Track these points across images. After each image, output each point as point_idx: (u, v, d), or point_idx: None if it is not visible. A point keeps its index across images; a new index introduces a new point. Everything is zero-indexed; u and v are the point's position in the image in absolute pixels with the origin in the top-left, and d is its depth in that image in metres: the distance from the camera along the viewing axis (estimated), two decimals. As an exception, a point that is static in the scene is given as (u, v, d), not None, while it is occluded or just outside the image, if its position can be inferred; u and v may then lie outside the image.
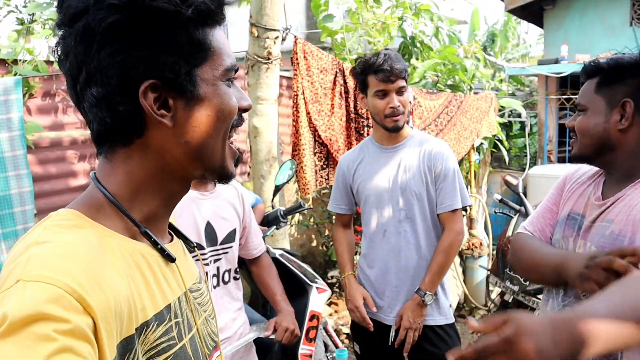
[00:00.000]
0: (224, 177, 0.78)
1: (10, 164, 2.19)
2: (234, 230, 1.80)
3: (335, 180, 2.30)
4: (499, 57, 10.36)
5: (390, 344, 2.09)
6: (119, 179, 0.71)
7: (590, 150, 1.38)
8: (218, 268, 1.76)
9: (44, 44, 3.02)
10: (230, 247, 1.78)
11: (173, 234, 0.85)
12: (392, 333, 2.09)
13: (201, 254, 1.68)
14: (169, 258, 0.75)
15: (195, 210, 1.68)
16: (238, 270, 1.88)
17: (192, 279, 0.84)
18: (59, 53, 0.68)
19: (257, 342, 2.02)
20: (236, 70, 0.76)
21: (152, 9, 0.64)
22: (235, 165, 2.17)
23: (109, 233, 0.67)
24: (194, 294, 0.82)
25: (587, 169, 1.49)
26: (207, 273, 1.71)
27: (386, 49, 2.10)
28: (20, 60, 2.69)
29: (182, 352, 0.73)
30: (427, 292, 2.02)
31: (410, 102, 2.11)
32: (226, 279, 1.79)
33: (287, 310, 1.93)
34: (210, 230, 1.72)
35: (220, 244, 1.75)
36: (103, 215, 0.69)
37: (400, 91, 2.00)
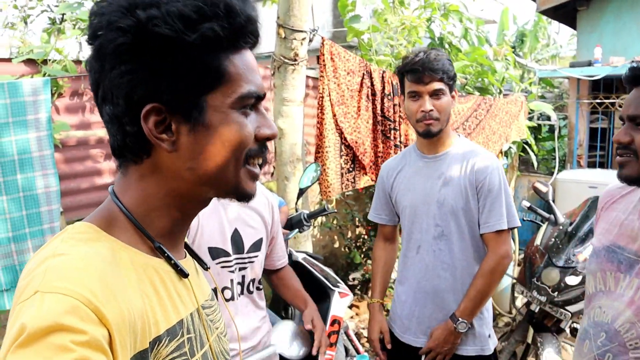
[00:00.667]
0: (241, 198, 0.76)
1: (37, 164, 2.21)
2: (261, 240, 1.75)
3: (376, 188, 2.19)
4: (529, 58, 10.17)
5: None
6: (134, 194, 0.72)
7: None
8: (243, 277, 1.71)
9: (73, 44, 3.05)
10: (256, 256, 1.73)
11: (186, 251, 0.84)
12: (423, 358, 1.95)
13: (227, 261, 1.64)
14: (182, 273, 0.76)
15: (223, 214, 1.64)
16: (261, 280, 1.84)
17: (205, 295, 0.84)
18: (88, 70, 0.70)
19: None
20: (261, 98, 0.73)
21: (154, 34, 0.64)
22: (260, 168, 2.12)
23: (123, 247, 0.68)
24: (206, 310, 0.82)
25: (621, 189, 1.34)
26: (231, 280, 1.67)
27: (432, 48, 1.96)
28: (49, 60, 2.72)
29: None
30: (461, 319, 1.86)
31: (447, 106, 1.88)
32: (251, 289, 1.74)
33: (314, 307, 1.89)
34: (237, 237, 1.67)
35: (247, 252, 1.70)
36: (118, 229, 0.70)
37: (435, 94, 1.84)
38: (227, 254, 1.64)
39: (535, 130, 7.21)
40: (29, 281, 0.60)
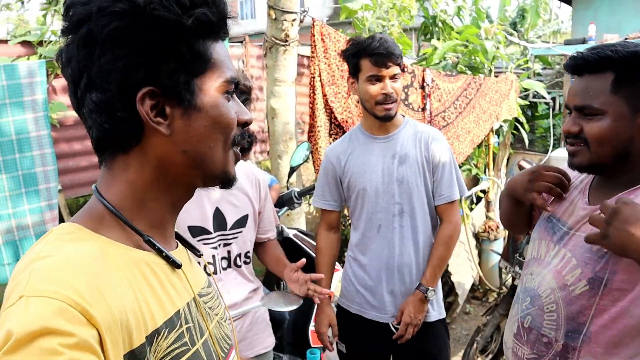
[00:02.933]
0: (226, 182, 0.78)
1: (35, 144, 2.30)
2: (246, 216, 1.80)
3: (320, 174, 2.14)
4: (529, 34, 10.09)
5: (383, 344, 2.02)
6: (120, 188, 0.72)
7: (609, 160, 1.20)
8: (229, 252, 1.78)
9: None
10: (240, 232, 1.79)
11: (178, 242, 0.85)
12: (392, 328, 2.00)
13: (208, 238, 1.71)
14: (175, 265, 0.75)
15: (204, 196, 1.71)
16: (249, 254, 1.89)
17: (200, 284, 0.84)
18: (63, 59, 0.70)
19: (270, 318, 2.06)
20: (237, 85, 0.76)
21: (153, 18, 0.65)
22: (249, 148, 2.17)
23: (111, 244, 0.68)
24: (203, 298, 0.83)
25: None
26: (213, 256, 1.74)
27: (380, 34, 1.97)
28: (45, 41, 2.78)
29: (196, 357, 0.73)
30: (430, 287, 1.94)
31: (400, 89, 1.95)
32: (238, 262, 1.81)
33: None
34: (219, 216, 1.74)
35: (230, 229, 1.77)
36: (105, 226, 0.69)
37: (394, 78, 1.90)
38: (207, 232, 1.71)
39: (531, 109, 7.24)
40: (15, 285, 0.60)
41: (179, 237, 0.86)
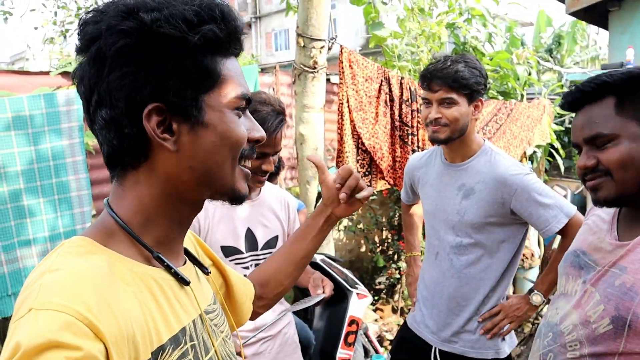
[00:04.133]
0: (235, 199, 0.77)
1: (70, 169, 2.39)
2: (276, 237, 1.80)
3: (404, 174, 2.24)
4: (566, 60, 9.95)
5: None
6: (130, 203, 0.72)
7: (636, 188, 1.11)
8: None
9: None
10: (271, 252, 1.78)
11: (187, 257, 0.85)
12: (435, 353, 1.96)
13: (240, 258, 1.73)
14: (183, 281, 0.75)
15: (235, 216, 1.72)
16: None
17: (207, 300, 0.84)
18: (77, 77, 0.71)
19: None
20: (248, 101, 0.76)
21: (159, 35, 0.66)
22: (277, 173, 2.19)
23: (120, 258, 0.68)
24: (209, 315, 0.82)
25: None
26: (245, 275, 1.77)
27: (459, 55, 1.88)
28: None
29: None
30: (537, 291, 1.87)
31: (460, 116, 1.81)
32: None
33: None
34: (250, 236, 1.75)
35: (261, 249, 1.77)
36: (115, 241, 0.70)
37: (444, 102, 1.79)
38: (240, 252, 1.72)
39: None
40: (25, 298, 0.61)
41: (186, 252, 0.86)
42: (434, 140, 1.87)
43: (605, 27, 6.98)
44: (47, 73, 2.81)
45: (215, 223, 1.69)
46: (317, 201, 2.97)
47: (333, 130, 4.47)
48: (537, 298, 1.87)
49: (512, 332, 1.98)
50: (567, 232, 1.80)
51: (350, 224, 4.90)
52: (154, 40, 0.66)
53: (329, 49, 3.24)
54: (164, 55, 0.67)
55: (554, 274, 1.82)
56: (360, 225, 4.91)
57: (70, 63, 3.07)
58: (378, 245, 5.11)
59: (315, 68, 3.16)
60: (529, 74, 4.54)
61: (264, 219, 1.79)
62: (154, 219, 0.73)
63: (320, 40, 3.09)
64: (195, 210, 0.78)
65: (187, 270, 0.81)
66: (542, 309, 3.35)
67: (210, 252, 1.03)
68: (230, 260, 1.71)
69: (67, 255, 0.66)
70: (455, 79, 1.76)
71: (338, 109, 3.34)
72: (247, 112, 0.78)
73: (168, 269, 0.74)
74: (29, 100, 2.25)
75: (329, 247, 3.52)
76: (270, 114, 1.60)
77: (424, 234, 2.22)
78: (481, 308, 1.91)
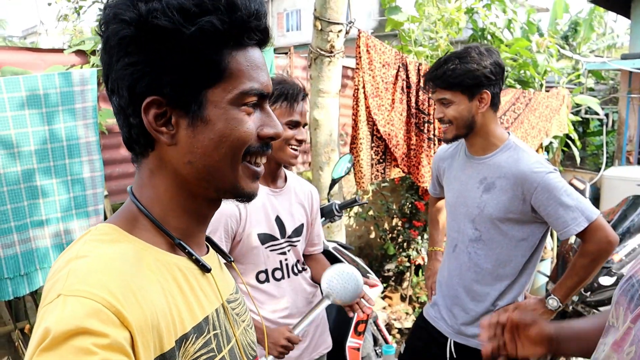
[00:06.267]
0: (240, 197, 0.75)
1: (84, 150, 2.36)
2: (302, 225, 1.85)
3: (432, 165, 2.28)
4: (582, 48, 9.77)
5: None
6: (149, 192, 0.72)
7: None
8: (287, 259, 1.82)
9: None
10: (298, 240, 1.83)
11: (210, 246, 0.85)
12: (450, 345, 1.99)
13: (276, 245, 1.76)
14: (205, 269, 0.75)
15: (267, 204, 1.75)
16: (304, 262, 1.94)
17: (229, 289, 0.84)
18: (101, 60, 0.72)
19: None
20: (264, 96, 0.72)
21: (154, 27, 0.64)
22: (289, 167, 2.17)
23: (145, 246, 0.68)
24: (231, 304, 0.82)
25: None
26: (280, 262, 1.78)
27: (454, 52, 1.88)
28: (97, 50, 2.87)
29: None
30: (553, 295, 1.82)
31: (458, 114, 1.84)
32: (295, 270, 1.84)
33: None
34: (280, 224, 1.78)
35: (289, 237, 1.80)
36: (139, 228, 0.70)
37: (442, 103, 1.85)
38: (275, 238, 1.76)
39: (583, 125, 6.99)
40: (53, 284, 0.62)
41: (210, 241, 0.85)
42: (443, 140, 1.95)
43: (628, 15, 6.84)
44: (61, 51, 2.77)
45: (252, 209, 1.72)
46: (330, 188, 2.93)
47: (345, 115, 4.42)
48: (553, 302, 1.82)
49: None
50: (587, 236, 1.76)
51: (360, 210, 4.87)
52: (150, 32, 0.64)
53: (347, 32, 3.18)
54: (160, 47, 0.65)
55: (573, 280, 1.81)
56: (371, 212, 4.88)
57: (83, 42, 3.03)
58: (388, 232, 5.08)
59: (332, 52, 3.10)
60: (549, 63, 4.45)
61: (292, 207, 1.82)
62: (172, 210, 0.73)
63: (338, 23, 3.02)
64: (212, 206, 0.77)
65: (210, 259, 0.80)
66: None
67: None
68: (266, 247, 1.74)
69: (94, 242, 0.66)
70: (444, 79, 1.80)
71: (353, 95, 3.29)
72: (266, 106, 0.74)
73: (190, 256, 0.74)
74: (43, 79, 2.21)
75: (340, 234, 3.49)
76: (293, 86, 1.69)
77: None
78: (498, 303, 1.90)
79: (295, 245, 1.82)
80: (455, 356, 1.99)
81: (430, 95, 1.93)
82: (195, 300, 0.71)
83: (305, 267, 1.92)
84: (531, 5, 6.12)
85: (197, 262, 0.74)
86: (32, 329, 0.62)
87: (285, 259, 1.80)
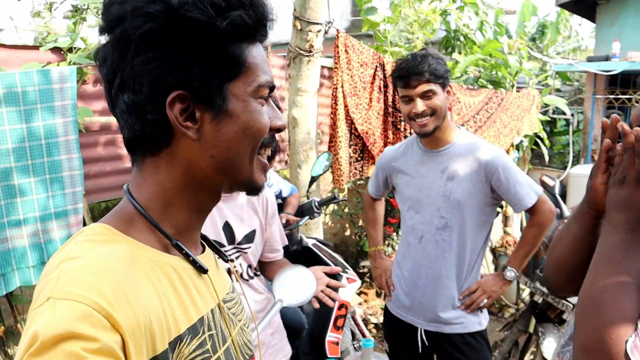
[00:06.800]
0: (253, 190, 0.76)
1: (63, 148, 2.34)
2: (254, 232, 1.80)
3: (375, 169, 2.31)
4: (549, 50, 10.04)
5: (420, 349, 2.09)
6: (149, 190, 0.71)
7: None
8: (240, 265, 1.79)
9: (96, 33, 3.17)
10: (249, 247, 1.78)
11: (206, 245, 0.84)
12: (421, 334, 2.08)
13: (223, 252, 1.71)
14: (201, 270, 0.75)
15: (215, 210, 1.68)
16: (256, 268, 1.89)
17: (225, 289, 0.84)
18: (99, 58, 0.69)
19: (286, 327, 2.06)
20: (272, 89, 0.74)
21: (186, 19, 0.63)
22: (273, 157, 2.17)
23: (139, 247, 0.67)
24: (227, 304, 0.82)
25: None
26: (229, 270, 1.74)
27: (423, 49, 2.03)
28: (74, 48, 2.83)
29: None
30: (509, 267, 2.05)
31: (441, 104, 1.95)
32: (246, 277, 1.81)
33: None
34: (228, 230, 1.74)
35: (238, 243, 1.76)
36: (134, 228, 0.69)
37: (425, 95, 1.91)
38: (221, 245, 1.71)
39: (550, 125, 7.20)
40: (44, 286, 0.61)
41: (207, 240, 0.85)
42: (423, 134, 1.99)
43: (593, 19, 7.07)
44: (37, 47, 2.72)
45: None
46: (309, 185, 2.97)
47: (323, 114, 4.46)
48: (510, 273, 2.05)
49: (485, 309, 2.13)
50: (535, 209, 2.01)
51: (336, 208, 4.92)
52: (181, 25, 0.64)
53: (325, 32, 3.21)
54: (190, 41, 0.64)
55: (524, 249, 2.06)
56: (347, 209, 4.93)
57: (56, 40, 2.99)
58: (363, 229, 5.14)
59: (311, 52, 3.13)
60: (520, 64, 4.58)
61: (243, 213, 1.78)
62: (173, 205, 0.72)
63: (317, 23, 3.06)
64: (214, 199, 0.77)
65: (206, 258, 0.80)
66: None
67: None
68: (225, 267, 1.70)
69: (85, 243, 0.65)
70: (431, 72, 1.91)
71: (332, 94, 3.33)
72: (270, 99, 0.75)
73: (186, 257, 0.73)
74: (21, 76, 2.18)
75: (318, 231, 3.53)
76: None
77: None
78: (464, 284, 2.05)
79: (245, 252, 1.77)
80: (427, 344, 2.09)
81: (405, 93, 1.94)
82: (190, 301, 0.70)
83: (258, 273, 1.87)
84: (499, 7, 6.27)
85: (193, 262, 0.74)
86: (6, 332, 0.61)
87: (234, 267, 1.75)
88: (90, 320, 0.55)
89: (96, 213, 3.12)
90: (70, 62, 2.72)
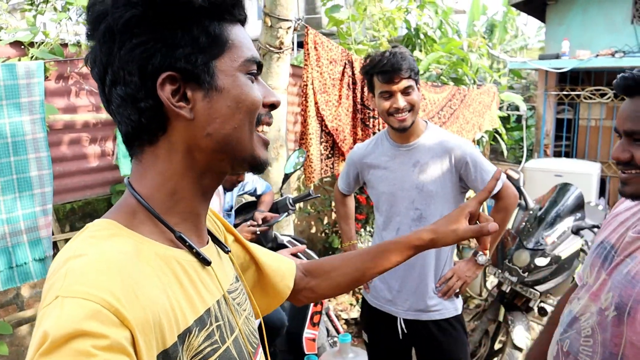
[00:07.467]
0: (256, 166, 0.76)
1: (30, 147, 2.23)
2: None
3: (346, 165, 2.32)
4: (497, 49, 10.39)
5: (400, 337, 2.14)
6: (151, 180, 0.72)
7: None
8: None
9: (60, 27, 3.04)
10: None
11: (209, 237, 0.84)
12: (400, 323, 2.13)
13: None
14: (205, 262, 0.75)
15: None
16: None
17: (229, 279, 0.84)
18: (90, 62, 0.71)
19: (267, 326, 2.05)
20: (260, 65, 0.76)
21: (165, 1, 0.66)
22: None
23: (144, 241, 0.68)
24: (232, 294, 0.82)
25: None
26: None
27: (394, 47, 2.05)
28: (36, 42, 2.71)
29: (227, 355, 0.73)
30: (480, 252, 2.08)
31: (418, 99, 2.03)
32: None
33: None
34: None
35: None
36: (139, 222, 0.70)
37: (406, 91, 1.96)
38: None
39: (503, 120, 7.46)
40: (52, 285, 0.61)
41: (209, 233, 0.85)
42: (401, 129, 2.01)
43: (543, 19, 7.37)
44: (-5, 42, 2.59)
45: None
46: (283, 183, 2.96)
47: (289, 112, 4.45)
48: (481, 258, 2.10)
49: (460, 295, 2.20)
50: (501, 194, 2.09)
51: (303, 205, 4.92)
52: (160, 7, 0.66)
53: (295, 29, 3.21)
54: (171, 22, 0.67)
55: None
56: (312, 207, 4.94)
57: (14, 34, 2.85)
58: (331, 226, 5.17)
59: (281, 48, 3.12)
60: (481, 62, 4.72)
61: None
62: (177, 192, 0.72)
63: (287, 20, 3.05)
64: (217, 181, 0.78)
65: (209, 250, 0.80)
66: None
67: (231, 227, 1.01)
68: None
69: (90, 239, 0.65)
70: (412, 68, 1.97)
71: (302, 91, 3.33)
72: (260, 78, 0.77)
73: (190, 249, 0.73)
74: (-16, 71, 2.07)
75: (289, 228, 3.53)
76: None
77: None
78: (439, 272, 2.11)
79: None
80: (406, 332, 2.13)
81: (385, 88, 1.95)
82: (195, 294, 0.70)
83: None
84: (449, 6, 6.44)
85: (197, 255, 0.74)
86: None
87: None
88: (98, 317, 0.55)
89: (61, 215, 2.99)
90: (32, 57, 2.61)
